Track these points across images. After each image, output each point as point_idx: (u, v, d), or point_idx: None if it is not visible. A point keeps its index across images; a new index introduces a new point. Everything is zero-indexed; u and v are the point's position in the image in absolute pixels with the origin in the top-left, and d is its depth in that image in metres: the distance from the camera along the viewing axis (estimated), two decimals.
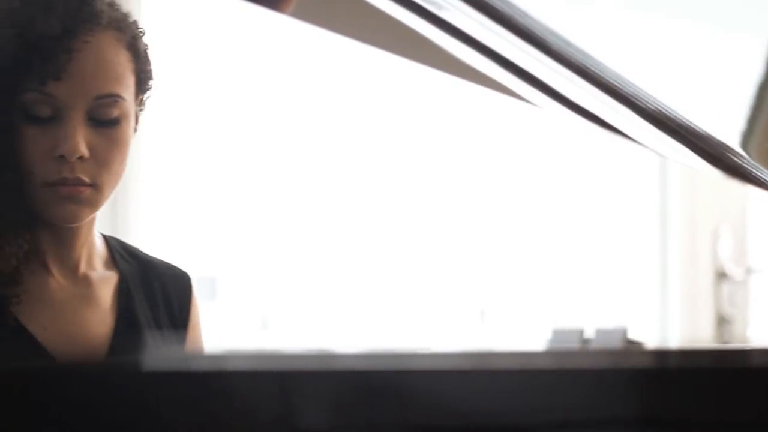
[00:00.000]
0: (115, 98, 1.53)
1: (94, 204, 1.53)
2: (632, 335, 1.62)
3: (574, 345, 1.40)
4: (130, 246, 1.73)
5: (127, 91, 1.54)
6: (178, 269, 1.73)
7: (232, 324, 3.20)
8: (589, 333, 1.46)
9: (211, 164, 3.14)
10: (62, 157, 1.49)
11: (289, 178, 3.15)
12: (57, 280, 1.58)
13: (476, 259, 3.30)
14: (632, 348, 1.28)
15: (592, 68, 1.43)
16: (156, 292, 1.68)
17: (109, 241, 1.69)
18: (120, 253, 1.69)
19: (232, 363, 0.69)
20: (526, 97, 1.51)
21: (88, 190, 1.52)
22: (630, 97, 1.47)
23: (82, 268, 1.61)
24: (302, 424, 0.69)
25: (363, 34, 1.50)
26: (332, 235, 3.18)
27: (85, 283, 1.61)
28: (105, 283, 1.63)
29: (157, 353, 0.66)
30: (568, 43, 1.40)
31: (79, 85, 1.50)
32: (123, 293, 1.64)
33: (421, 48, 1.45)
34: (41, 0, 1.50)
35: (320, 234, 3.18)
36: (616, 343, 1.52)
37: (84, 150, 1.50)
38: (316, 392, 0.70)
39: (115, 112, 1.54)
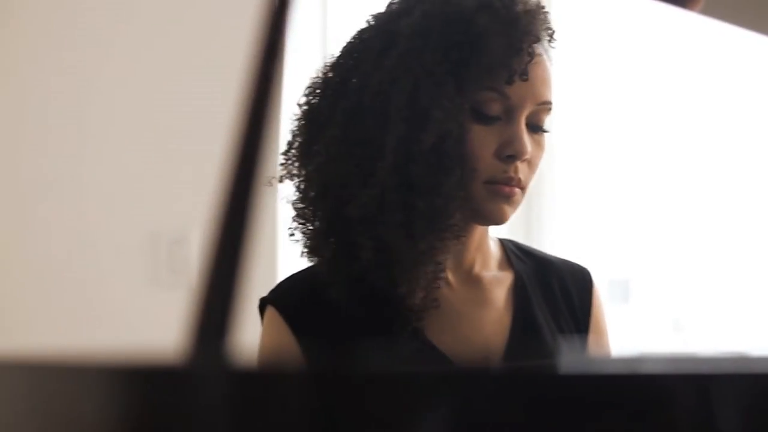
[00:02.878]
0: (550, 106, 1.56)
1: (517, 205, 1.55)
2: None
3: None
4: (526, 246, 1.74)
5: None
6: (577, 265, 1.73)
7: (644, 327, 3.18)
8: None
9: (622, 164, 3.13)
10: (510, 156, 1.52)
11: (701, 179, 3.10)
12: (452, 284, 1.61)
13: None
14: None
15: None
16: (554, 290, 1.68)
17: (503, 243, 1.71)
18: (515, 254, 1.70)
19: (646, 366, 0.69)
20: None
21: (519, 192, 1.54)
22: None
23: (476, 270, 1.64)
24: (719, 428, 0.68)
25: None
26: (743, 234, 3.10)
27: (478, 285, 1.63)
28: (499, 283, 1.65)
29: (560, 355, 0.66)
30: None
31: (531, 89, 1.53)
32: (518, 293, 1.65)
33: None
34: (532, 3, 1.53)
35: (730, 233, 3.10)
36: None
37: (530, 152, 1.54)
38: (732, 396, 0.69)
39: (546, 119, 1.57)
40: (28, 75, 3.04)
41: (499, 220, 1.54)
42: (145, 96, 2.97)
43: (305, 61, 2.84)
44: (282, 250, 2.79)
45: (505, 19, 1.50)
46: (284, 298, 1.58)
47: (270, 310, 1.57)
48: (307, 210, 1.56)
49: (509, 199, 1.53)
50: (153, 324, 2.92)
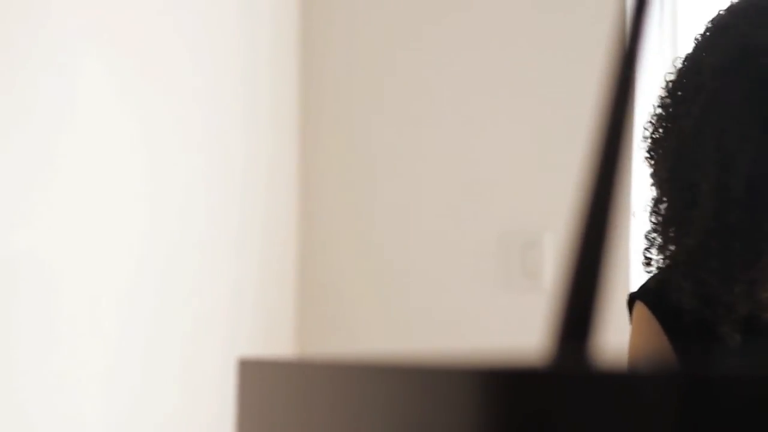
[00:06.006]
0: None
1: None
2: None
3: None
4: None
5: None
6: None
7: None
8: None
9: None
10: None
11: None
12: None
13: None
14: None
15: None
16: None
17: None
18: None
19: None
20: None
21: None
22: None
23: None
24: None
25: None
26: None
27: None
28: None
29: None
30: None
31: None
32: None
33: None
34: None
35: None
36: None
37: None
38: None
39: None
40: (369, 74, 3.12)
41: None
42: (495, 97, 2.99)
43: (657, 69, 2.80)
44: (635, 253, 2.76)
45: None
46: (654, 295, 1.57)
47: (640, 306, 1.57)
48: (649, 239, 1.58)
49: None
50: (504, 327, 2.93)
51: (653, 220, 1.58)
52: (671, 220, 1.54)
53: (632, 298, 1.60)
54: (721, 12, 1.57)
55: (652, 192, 1.58)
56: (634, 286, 1.64)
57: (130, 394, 2.59)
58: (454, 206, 3.01)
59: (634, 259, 2.74)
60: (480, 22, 3.02)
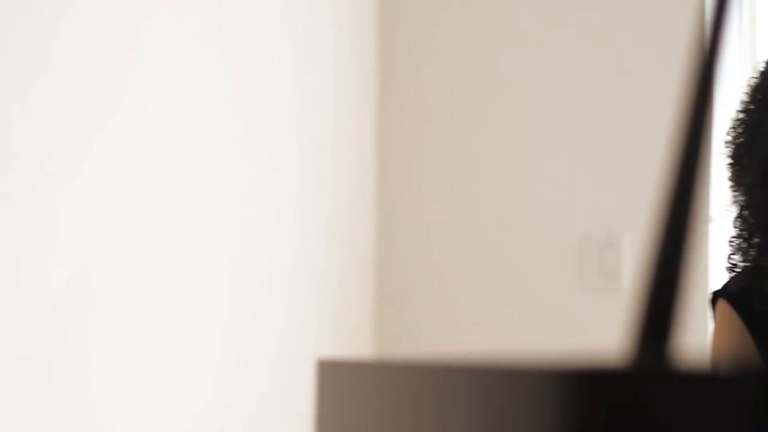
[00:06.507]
0: None
1: None
2: None
3: None
4: None
5: None
6: None
7: None
8: None
9: None
10: None
11: None
12: None
13: None
14: None
15: None
16: None
17: None
18: None
19: None
20: None
21: None
22: None
23: None
24: None
25: None
26: None
27: None
28: None
29: None
30: None
31: None
32: None
33: None
34: None
35: None
36: None
37: None
38: None
39: None
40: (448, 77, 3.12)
41: None
42: (575, 98, 2.98)
43: (736, 71, 2.78)
44: (714, 254, 2.73)
45: None
46: (737, 297, 1.56)
47: (723, 305, 1.56)
48: (733, 243, 1.55)
49: None
50: (583, 327, 2.92)
51: (738, 225, 1.55)
52: (758, 225, 1.51)
53: (715, 297, 1.58)
54: None
55: (737, 197, 1.55)
56: (715, 287, 1.62)
57: (227, 393, 2.61)
58: (533, 207, 3.00)
59: (713, 260, 2.72)
60: (558, 23, 3.00)
